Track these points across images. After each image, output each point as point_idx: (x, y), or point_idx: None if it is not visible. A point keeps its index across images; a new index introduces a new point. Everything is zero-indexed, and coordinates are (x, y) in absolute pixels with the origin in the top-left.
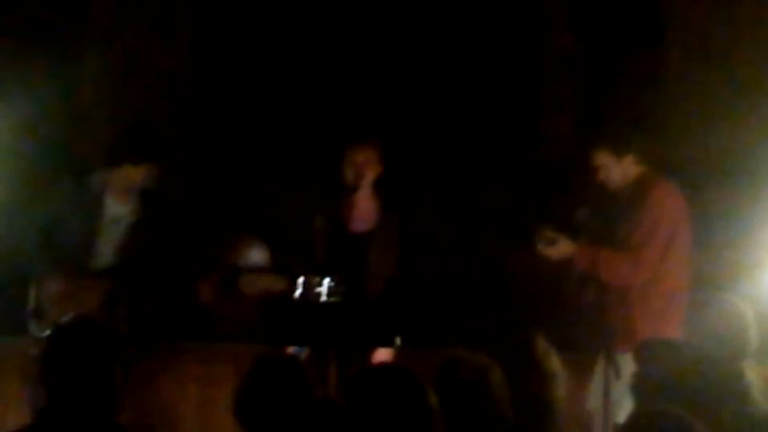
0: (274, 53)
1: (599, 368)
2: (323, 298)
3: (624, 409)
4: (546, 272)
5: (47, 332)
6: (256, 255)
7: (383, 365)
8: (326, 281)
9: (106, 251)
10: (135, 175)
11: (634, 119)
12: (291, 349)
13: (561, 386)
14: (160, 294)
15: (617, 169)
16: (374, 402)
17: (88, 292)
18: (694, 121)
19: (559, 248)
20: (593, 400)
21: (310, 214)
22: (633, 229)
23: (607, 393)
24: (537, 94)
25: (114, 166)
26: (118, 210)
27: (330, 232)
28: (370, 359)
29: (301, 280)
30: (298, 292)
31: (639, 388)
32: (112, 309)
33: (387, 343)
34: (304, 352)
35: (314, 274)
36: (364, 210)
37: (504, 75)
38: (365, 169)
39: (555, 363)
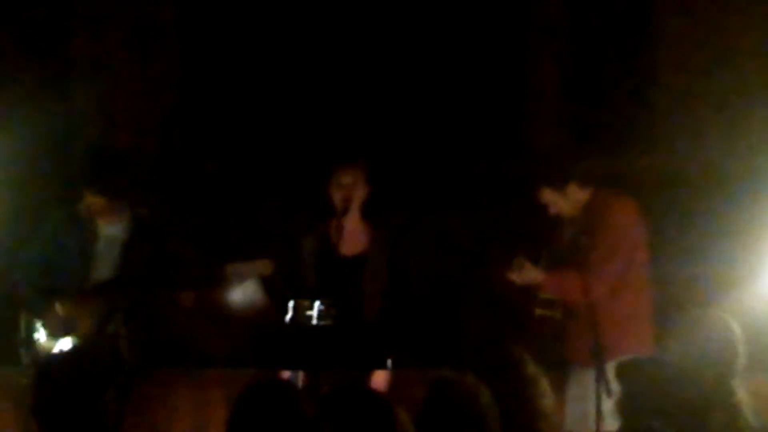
0: (261, 75)
1: (579, 385)
2: (314, 321)
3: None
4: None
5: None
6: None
7: (351, 386)
8: (317, 304)
9: (104, 272)
10: (97, 204)
11: (621, 134)
12: (287, 375)
13: (551, 405)
14: (154, 307)
15: (564, 201)
16: (343, 422)
17: (85, 313)
18: (683, 137)
19: (524, 275)
20: (572, 419)
21: (299, 237)
22: (596, 245)
23: (599, 411)
24: (523, 112)
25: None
26: (110, 231)
27: (320, 256)
28: (359, 381)
29: (291, 303)
30: (288, 316)
31: (623, 406)
32: (105, 326)
33: (379, 365)
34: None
35: (305, 297)
36: (354, 232)
37: (490, 92)
38: (352, 191)
39: (543, 382)
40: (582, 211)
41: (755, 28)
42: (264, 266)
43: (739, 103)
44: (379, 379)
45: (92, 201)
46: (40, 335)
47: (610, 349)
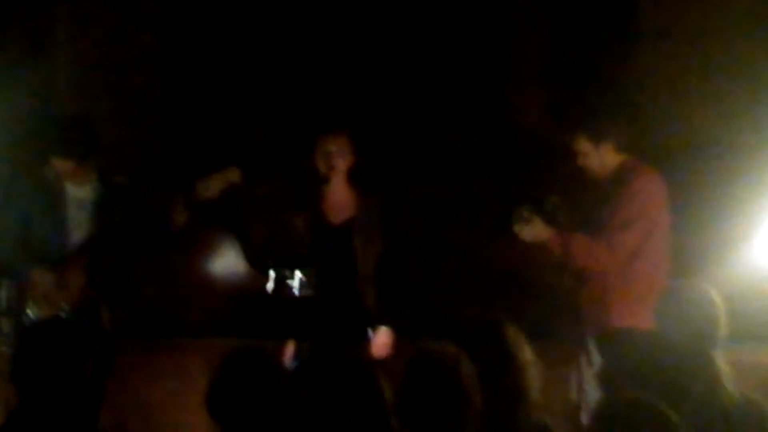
0: (242, 45)
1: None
2: (295, 291)
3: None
4: (523, 260)
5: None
6: None
7: (331, 353)
8: (297, 274)
9: (77, 234)
10: (64, 166)
11: (607, 102)
12: (289, 359)
13: (534, 375)
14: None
15: (595, 156)
16: (323, 389)
17: (72, 274)
18: (665, 103)
19: (533, 230)
20: (574, 389)
21: (289, 212)
22: (613, 212)
23: (581, 381)
24: (506, 79)
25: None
26: (79, 193)
27: (311, 228)
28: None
29: (272, 273)
30: (269, 286)
31: (604, 377)
32: (94, 282)
33: (359, 336)
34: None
35: (291, 267)
36: (341, 200)
37: (473, 57)
38: (338, 159)
39: (527, 352)
40: (608, 175)
41: None
42: (232, 173)
43: (724, 71)
44: (381, 340)
45: (59, 164)
46: (22, 303)
47: (622, 322)
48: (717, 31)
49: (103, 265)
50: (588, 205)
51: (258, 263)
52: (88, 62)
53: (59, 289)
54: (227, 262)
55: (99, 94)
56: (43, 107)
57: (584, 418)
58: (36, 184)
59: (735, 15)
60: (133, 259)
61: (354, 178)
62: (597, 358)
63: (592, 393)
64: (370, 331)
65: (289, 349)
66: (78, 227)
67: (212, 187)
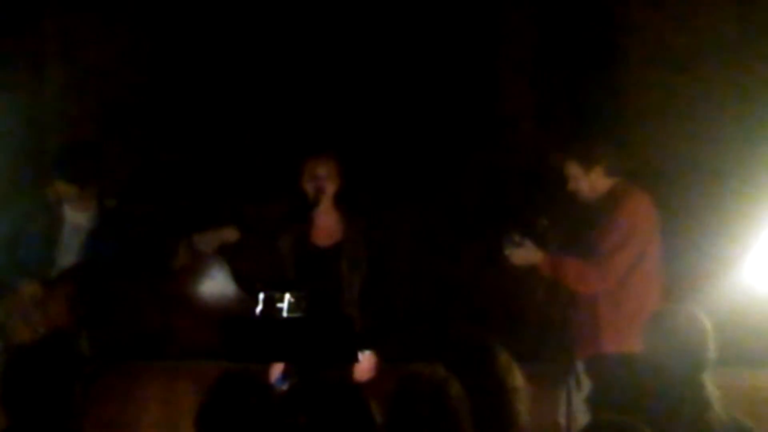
0: (233, 68)
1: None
2: (284, 313)
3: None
4: (513, 282)
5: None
6: None
7: (323, 377)
8: (287, 297)
9: (67, 260)
10: (67, 191)
11: (594, 127)
12: (275, 380)
13: (523, 399)
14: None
15: (585, 181)
16: (318, 413)
17: (54, 298)
18: (654, 128)
19: (524, 253)
20: (563, 413)
21: (274, 234)
22: (604, 236)
23: (569, 403)
24: (497, 103)
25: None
26: (77, 218)
27: (297, 251)
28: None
29: (262, 296)
30: (259, 308)
31: (593, 400)
32: (76, 312)
33: (349, 358)
34: (285, 383)
35: (278, 290)
36: (328, 224)
37: (463, 83)
38: (326, 183)
39: (517, 376)
40: (599, 199)
41: (725, 21)
42: (229, 233)
43: (712, 97)
44: (365, 364)
45: (62, 188)
46: (10, 323)
47: (612, 346)
48: (704, 57)
49: (86, 296)
50: (579, 228)
51: (247, 286)
52: (80, 82)
53: (38, 309)
54: (216, 284)
55: (89, 113)
56: (37, 128)
57: None
58: (35, 204)
59: (722, 41)
60: (121, 285)
61: (341, 201)
62: (586, 382)
63: (581, 417)
64: (360, 356)
65: (276, 370)
66: (70, 253)
67: (209, 242)
